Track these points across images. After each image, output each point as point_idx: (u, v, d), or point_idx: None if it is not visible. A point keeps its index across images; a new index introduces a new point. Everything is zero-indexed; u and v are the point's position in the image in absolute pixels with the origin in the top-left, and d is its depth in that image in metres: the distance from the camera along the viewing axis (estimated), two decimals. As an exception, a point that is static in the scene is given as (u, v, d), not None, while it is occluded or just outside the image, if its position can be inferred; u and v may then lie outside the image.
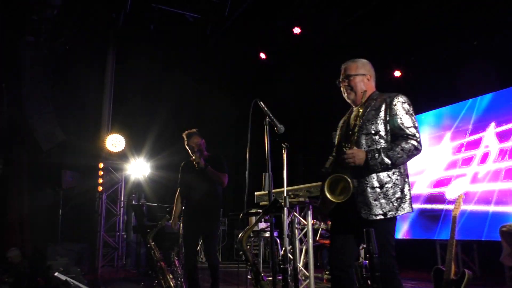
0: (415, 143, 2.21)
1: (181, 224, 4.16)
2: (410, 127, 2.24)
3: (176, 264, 3.77)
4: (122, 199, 7.81)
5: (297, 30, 7.56)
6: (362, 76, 2.43)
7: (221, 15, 7.65)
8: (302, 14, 7.31)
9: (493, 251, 4.79)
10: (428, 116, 7.10)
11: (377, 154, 2.19)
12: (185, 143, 4.06)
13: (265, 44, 8.51)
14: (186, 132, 4.10)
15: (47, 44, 6.72)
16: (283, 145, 3.85)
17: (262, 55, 8.67)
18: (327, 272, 5.82)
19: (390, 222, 2.23)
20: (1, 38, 6.72)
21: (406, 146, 2.19)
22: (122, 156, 7.66)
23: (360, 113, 2.34)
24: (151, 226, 6.08)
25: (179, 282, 3.67)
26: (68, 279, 4.16)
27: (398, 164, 2.22)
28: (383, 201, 2.20)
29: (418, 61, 7.42)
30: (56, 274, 4.29)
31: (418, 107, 7.11)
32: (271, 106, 2.55)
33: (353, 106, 2.50)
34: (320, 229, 6.42)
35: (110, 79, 8.02)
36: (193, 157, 3.88)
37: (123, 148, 7.44)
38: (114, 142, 7.37)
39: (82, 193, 7.48)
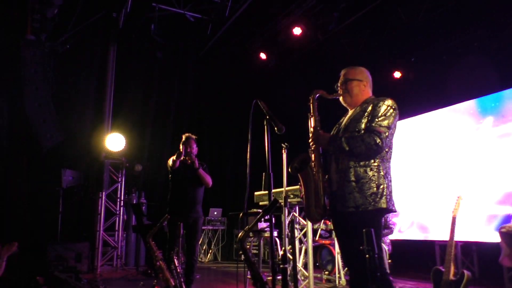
0: (377, 139, 2.25)
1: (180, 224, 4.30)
2: (381, 125, 2.30)
3: (176, 263, 3.77)
4: (121, 198, 7.81)
5: (297, 30, 7.56)
6: (359, 82, 2.54)
7: (222, 15, 7.65)
8: (302, 14, 7.31)
9: (492, 252, 4.78)
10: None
11: (338, 138, 2.34)
12: (181, 142, 4.49)
13: (265, 44, 8.51)
14: (187, 134, 4.53)
15: (47, 44, 6.72)
16: (283, 145, 3.87)
17: (263, 55, 8.66)
18: (326, 272, 5.83)
19: (364, 216, 2.23)
20: (2, 37, 6.72)
21: (367, 140, 2.26)
22: (122, 155, 7.65)
23: (351, 115, 2.50)
24: (150, 225, 6.08)
25: (178, 281, 3.67)
26: (68, 278, 4.17)
27: (356, 154, 2.28)
28: (357, 195, 2.26)
29: (418, 62, 7.43)
30: (55, 273, 4.30)
31: (418, 107, 7.17)
32: (271, 106, 2.57)
33: (349, 110, 2.60)
34: (320, 229, 6.42)
35: (110, 79, 8.01)
36: (187, 157, 4.39)
37: (123, 147, 7.44)
38: (114, 141, 7.37)
39: (82, 192, 7.48)
